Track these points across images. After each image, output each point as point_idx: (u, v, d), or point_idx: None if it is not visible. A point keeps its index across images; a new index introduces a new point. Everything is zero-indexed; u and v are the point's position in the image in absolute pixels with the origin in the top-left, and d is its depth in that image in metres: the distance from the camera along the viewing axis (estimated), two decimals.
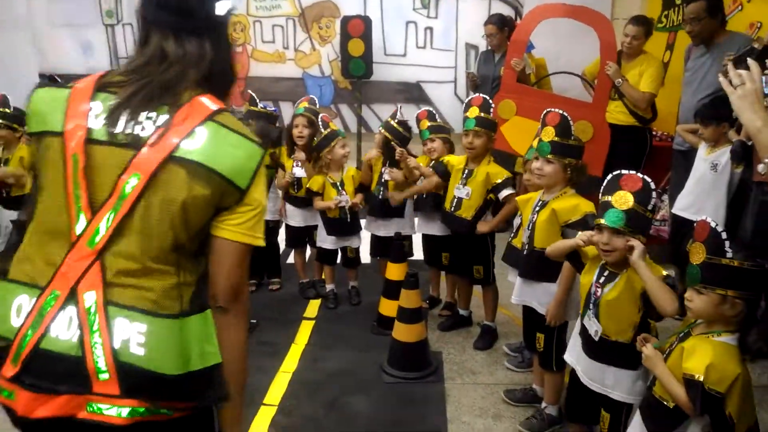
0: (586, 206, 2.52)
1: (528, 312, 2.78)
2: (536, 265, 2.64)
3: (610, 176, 2.13)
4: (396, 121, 3.70)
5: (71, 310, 1.13)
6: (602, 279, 2.14)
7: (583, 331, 2.23)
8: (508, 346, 3.39)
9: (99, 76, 1.25)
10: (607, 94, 4.45)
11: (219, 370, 1.21)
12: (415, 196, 3.72)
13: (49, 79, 5.65)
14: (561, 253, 2.37)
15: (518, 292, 2.77)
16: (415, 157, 3.67)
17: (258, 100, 3.92)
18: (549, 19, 4.62)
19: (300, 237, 4.09)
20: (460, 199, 3.33)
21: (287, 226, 4.08)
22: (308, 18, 6.54)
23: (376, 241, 3.94)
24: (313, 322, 3.78)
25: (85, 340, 1.11)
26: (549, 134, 2.57)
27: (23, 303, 1.15)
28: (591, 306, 2.17)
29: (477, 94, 3.47)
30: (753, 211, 2.63)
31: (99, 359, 1.11)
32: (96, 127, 1.19)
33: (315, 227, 3.94)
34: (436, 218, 3.58)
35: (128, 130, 1.17)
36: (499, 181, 3.26)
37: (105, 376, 1.11)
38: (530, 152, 2.97)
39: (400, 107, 4.06)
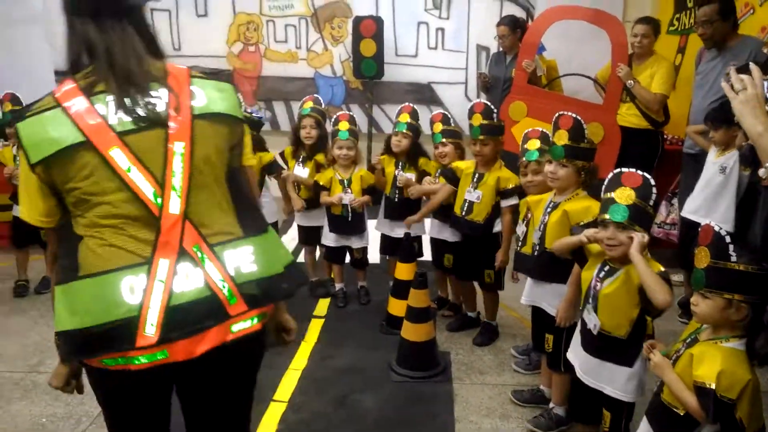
0: (598, 208, 2.53)
1: (537, 313, 2.79)
2: (547, 266, 2.65)
3: (610, 174, 2.17)
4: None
5: (185, 266, 1.32)
6: (602, 273, 2.18)
7: (583, 326, 2.27)
8: (515, 349, 3.40)
9: (75, 86, 1.30)
10: (619, 96, 4.45)
11: (295, 265, 1.53)
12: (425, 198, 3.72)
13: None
14: (566, 249, 2.40)
15: (528, 292, 2.79)
16: (425, 172, 3.70)
17: (243, 104, 3.94)
18: (561, 20, 4.63)
19: (309, 236, 4.13)
20: (471, 203, 3.34)
21: (299, 225, 4.13)
22: (321, 18, 6.57)
23: (386, 240, 3.96)
24: (323, 320, 3.81)
25: (209, 280, 1.33)
26: (562, 138, 2.57)
27: (134, 282, 1.28)
28: (590, 300, 2.20)
29: (478, 100, 3.45)
30: (763, 215, 2.63)
31: (224, 289, 1.33)
32: (115, 122, 1.28)
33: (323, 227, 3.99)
34: (449, 223, 3.57)
35: (146, 113, 1.30)
36: (509, 187, 3.27)
37: (234, 299, 1.34)
38: (529, 154, 2.98)
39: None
